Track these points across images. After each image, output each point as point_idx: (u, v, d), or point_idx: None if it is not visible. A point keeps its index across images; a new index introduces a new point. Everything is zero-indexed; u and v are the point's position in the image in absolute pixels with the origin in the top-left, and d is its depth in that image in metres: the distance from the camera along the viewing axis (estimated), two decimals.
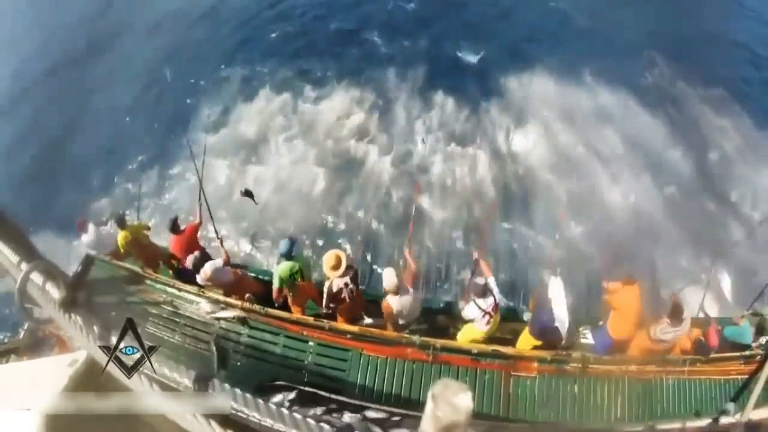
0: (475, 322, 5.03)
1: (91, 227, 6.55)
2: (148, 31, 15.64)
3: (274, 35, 14.16)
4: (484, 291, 4.89)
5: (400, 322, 5.22)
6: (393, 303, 4.98)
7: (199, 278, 5.44)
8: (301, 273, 5.34)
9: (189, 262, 5.57)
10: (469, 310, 4.96)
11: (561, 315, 4.92)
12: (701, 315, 5.96)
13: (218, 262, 5.49)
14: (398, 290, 4.93)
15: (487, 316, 4.96)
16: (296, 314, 5.40)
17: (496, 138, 10.65)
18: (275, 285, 5.41)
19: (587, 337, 5.67)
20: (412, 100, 11.44)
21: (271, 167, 10.23)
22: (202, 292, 5.40)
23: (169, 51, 14.59)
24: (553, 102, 10.84)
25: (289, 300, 5.60)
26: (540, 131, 10.48)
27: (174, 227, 6.04)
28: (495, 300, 4.96)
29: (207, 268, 5.36)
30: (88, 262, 5.94)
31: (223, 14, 15.68)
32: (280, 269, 5.35)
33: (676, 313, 4.82)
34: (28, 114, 13.95)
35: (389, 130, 10.80)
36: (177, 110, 12.47)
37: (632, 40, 12.56)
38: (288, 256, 5.31)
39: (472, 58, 12.67)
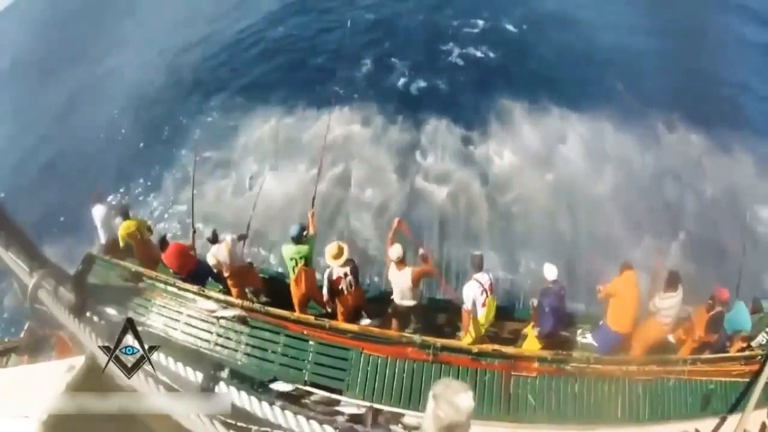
0: (476, 303, 5.16)
1: (105, 205, 6.90)
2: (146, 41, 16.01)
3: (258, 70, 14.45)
4: (481, 264, 5.21)
5: (395, 299, 5.44)
6: (392, 273, 5.31)
7: (218, 250, 5.81)
8: (305, 259, 5.58)
9: (207, 233, 6.04)
10: (468, 288, 5.16)
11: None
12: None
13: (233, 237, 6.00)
14: (401, 263, 5.23)
15: (485, 294, 5.11)
16: (297, 313, 5.42)
17: (479, 160, 10.84)
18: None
19: (587, 338, 5.67)
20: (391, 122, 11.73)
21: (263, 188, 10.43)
22: (203, 291, 5.41)
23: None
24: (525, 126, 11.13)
25: (292, 288, 5.76)
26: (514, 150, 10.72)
27: (163, 244, 6.15)
28: (490, 278, 5.23)
29: (227, 239, 5.88)
30: (89, 260, 5.94)
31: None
32: (285, 250, 5.62)
33: (671, 280, 5.08)
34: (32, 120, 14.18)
35: (374, 152, 10.95)
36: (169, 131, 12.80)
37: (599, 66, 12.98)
38: (297, 239, 5.54)
39: (445, 86, 13.05)
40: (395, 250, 5.21)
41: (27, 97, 15.83)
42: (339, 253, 5.28)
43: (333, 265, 5.31)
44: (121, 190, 11.28)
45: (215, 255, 5.87)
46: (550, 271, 5.20)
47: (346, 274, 5.31)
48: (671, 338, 5.51)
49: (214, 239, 5.99)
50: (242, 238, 6.41)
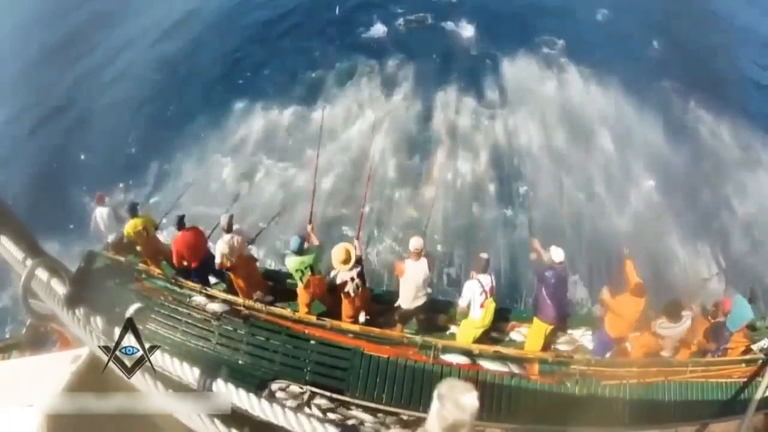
0: (472, 305, 5.08)
1: (109, 207, 6.98)
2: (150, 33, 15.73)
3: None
4: (486, 267, 5.10)
5: (408, 289, 5.28)
6: (409, 266, 5.13)
7: (233, 239, 5.67)
8: (311, 268, 5.34)
9: (223, 220, 5.79)
10: (469, 286, 5.07)
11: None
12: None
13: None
14: (420, 255, 5.11)
15: (484, 296, 5.03)
16: (301, 313, 5.40)
17: (493, 127, 10.81)
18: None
19: (586, 337, 5.63)
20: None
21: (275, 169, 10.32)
22: (205, 289, 5.40)
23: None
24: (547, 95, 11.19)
25: (300, 292, 5.54)
26: (535, 122, 10.68)
27: (180, 224, 6.01)
28: (492, 281, 5.11)
29: (237, 236, 5.71)
30: (90, 258, 5.95)
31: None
32: (289, 264, 5.35)
33: (672, 310, 4.84)
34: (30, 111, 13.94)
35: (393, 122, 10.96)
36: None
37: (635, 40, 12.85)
38: (299, 252, 5.30)
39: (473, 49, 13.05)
40: (416, 241, 5.10)
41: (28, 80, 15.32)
42: (347, 258, 5.08)
43: (340, 270, 5.14)
44: (128, 183, 10.97)
45: (229, 243, 5.70)
46: (557, 254, 5.07)
47: (352, 278, 5.14)
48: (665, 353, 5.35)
49: (229, 228, 5.81)
50: (251, 242, 6.29)
